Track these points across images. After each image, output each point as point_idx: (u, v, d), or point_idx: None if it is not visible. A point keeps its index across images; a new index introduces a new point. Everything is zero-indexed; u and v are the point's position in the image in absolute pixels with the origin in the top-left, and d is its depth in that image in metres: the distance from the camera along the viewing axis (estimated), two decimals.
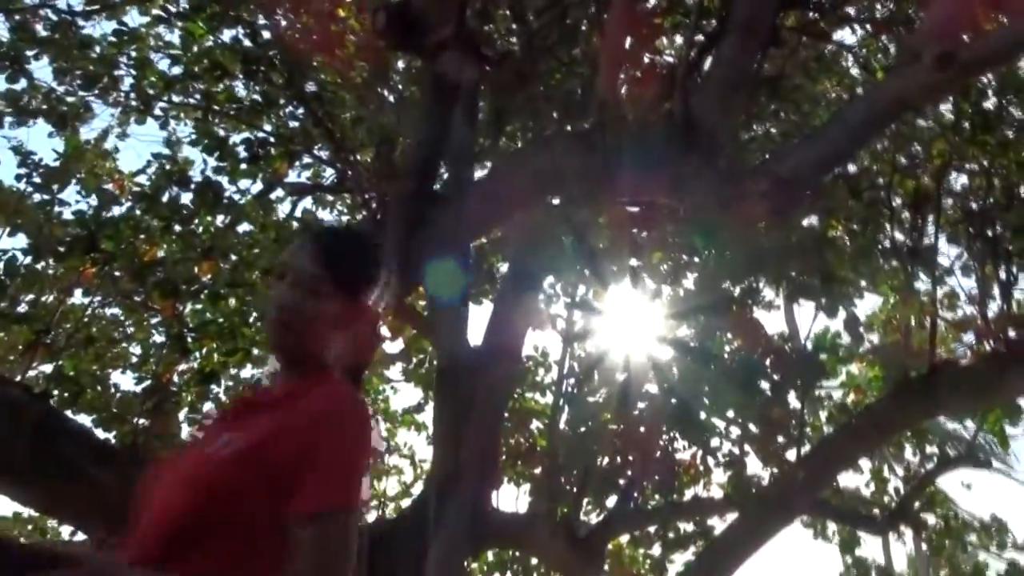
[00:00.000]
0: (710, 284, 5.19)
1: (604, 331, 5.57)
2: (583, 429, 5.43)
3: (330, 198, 6.34)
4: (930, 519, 5.44)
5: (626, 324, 5.56)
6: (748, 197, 2.89)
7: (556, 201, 4.52)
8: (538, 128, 5.08)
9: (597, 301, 5.38)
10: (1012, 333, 4.47)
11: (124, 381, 11.49)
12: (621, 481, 5.38)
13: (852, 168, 5.04)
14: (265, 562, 1.20)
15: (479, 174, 4.83)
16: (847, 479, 5.51)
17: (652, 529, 5.79)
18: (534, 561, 6.23)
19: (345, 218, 6.44)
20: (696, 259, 5.37)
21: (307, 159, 5.81)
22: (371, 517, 6.88)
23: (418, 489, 6.88)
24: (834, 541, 6.05)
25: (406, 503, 6.83)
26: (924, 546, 6.08)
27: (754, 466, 5.46)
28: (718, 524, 5.83)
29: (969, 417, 4.96)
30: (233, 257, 5.80)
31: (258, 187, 5.57)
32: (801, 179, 3.05)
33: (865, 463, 5.45)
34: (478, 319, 5.65)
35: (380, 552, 4.58)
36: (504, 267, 5.74)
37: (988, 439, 4.90)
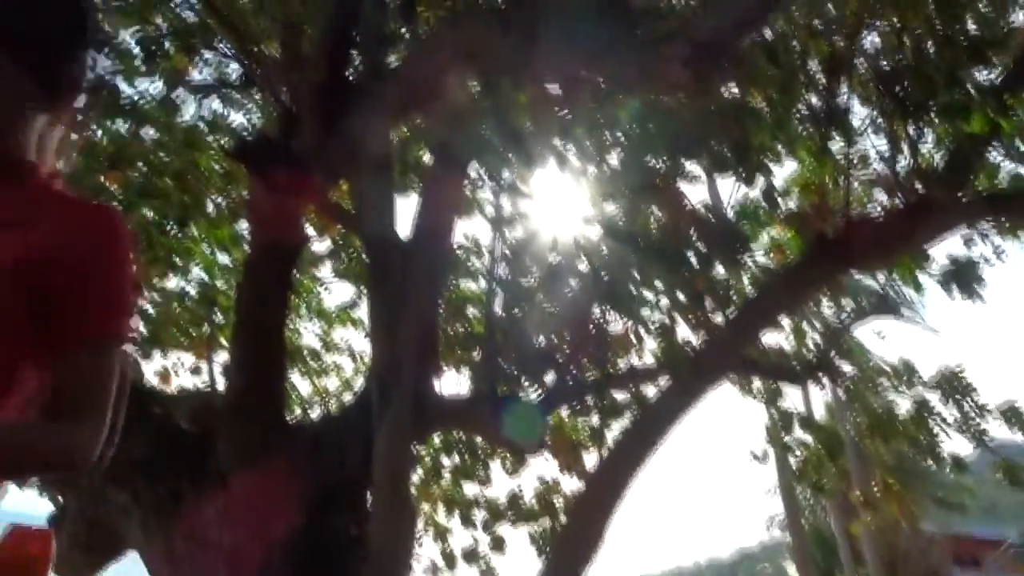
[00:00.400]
0: (634, 161, 5.22)
1: (532, 214, 5.60)
2: (517, 312, 5.53)
3: (238, 96, 6.04)
4: (846, 368, 5.81)
5: (553, 205, 5.59)
6: (668, 65, 2.88)
7: (475, 83, 4.42)
8: (452, 6, 4.89)
9: (523, 184, 5.38)
10: (919, 187, 4.68)
11: None
12: (558, 358, 5.54)
13: (769, 34, 5.04)
14: (14, 398, 1.08)
15: (393, 60, 4.65)
16: (770, 337, 5.80)
17: (589, 399, 6.02)
18: (479, 440, 6.45)
19: (256, 117, 6.17)
20: (620, 136, 5.37)
21: (209, 55, 5.48)
22: (315, 413, 6.95)
23: (360, 383, 6.96)
24: (759, 396, 6.44)
25: (349, 398, 6.92)
26: (841, 393, 6.51)
27: (684, 333, 5.70)
28: (652, 391, 6.12)
29: (881, 270, 5.23)
30: (141, 165, 5.53)
31: (159, 89, 5.27)
32: (720, 43, 3.04)
33: (786, 320, 5.74)
34: (405, 211, 5.58)
35: (327, 445, 4.66)
36: (427, 156, 5.63)
37: (899, 289, 5.20)
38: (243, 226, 5.98)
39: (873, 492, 7.61)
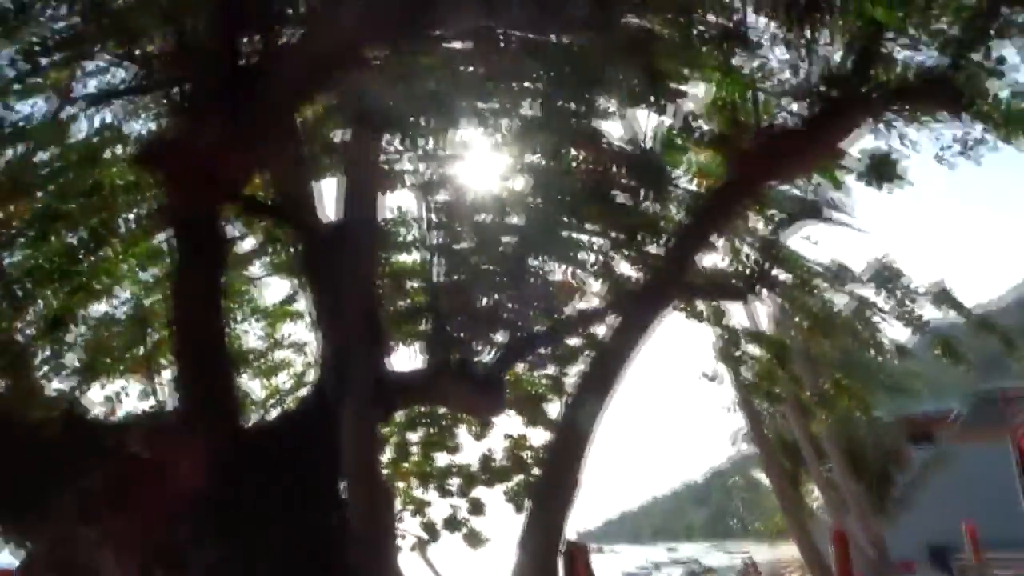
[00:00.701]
0: (548, 106, 5.18)
1: (457, 175, 5.53)
2: (457, 276, 5.50)
3: (131, 102, 5.75)
4: (783, 276, 5.96)
5: (476, 163, 5.54)
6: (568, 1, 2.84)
7: (379, 51, 4.30)
8: None
9: (443, 147, 5.29)
10: (826, 89, 4.77)
11: None
12: (505, 315, 5.55)
13: None
14: None
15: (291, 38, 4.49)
16: (707, 259, 5.91)
17: (543, 351, 6.06)
18: (442, 410, 6.45)
19: (154, 120, 5.91)
20: (531, 84, 5.33)
21: (92, 64, 5.19)
22: (272, 415, 6.84)
23: (312, 376, 6.86)
24: (705, 318, 6.58)
25: (304, 392, 6.82)
26: (782, 301, 6.68)
27: (624, 269, 5.75)
28: (602, 331, 6.19)
29: (803, 177, 5.35)
30: (40, 193, 5.26)
31: (44, 108, 4.99)
32: None
33: (720, 240, 5.84)
34: (328, 193, 5.44)
35: (290, 443, 4.60)
36: (339, 135, 5.49)
37: (823, 192, 5.34)
38: (161, 237, 5.77)
39: (825, 391, 7.89)
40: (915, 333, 6.39)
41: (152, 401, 5.91)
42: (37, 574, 4.38)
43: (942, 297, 6.07)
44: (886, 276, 6.15)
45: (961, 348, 6.11)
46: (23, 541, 4.67)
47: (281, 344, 7.08)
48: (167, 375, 5.81)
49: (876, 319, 6.48)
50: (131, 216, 5.81)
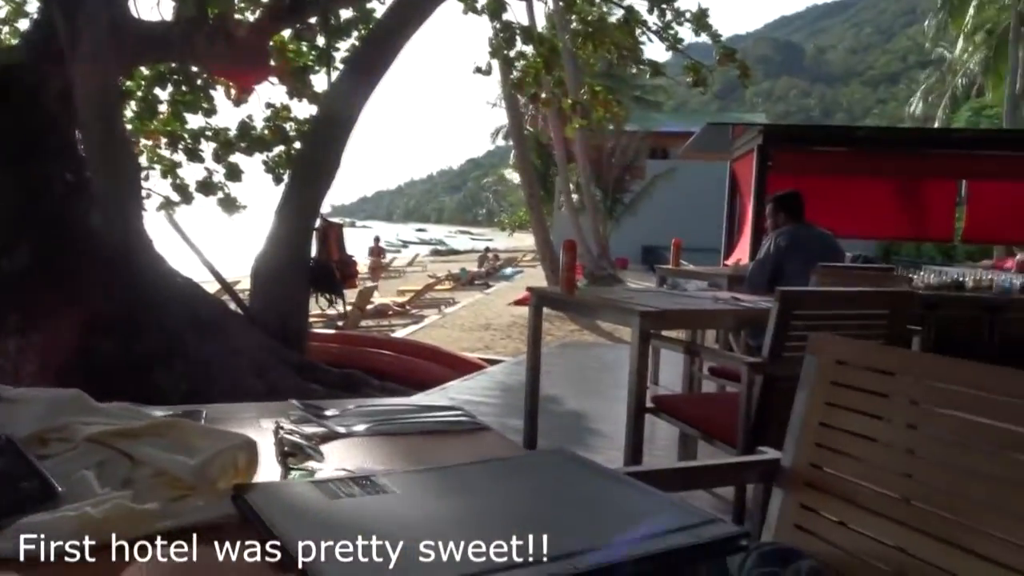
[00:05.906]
0: None
1: None
2: None
3: None
4: None
5: None
6: None
7: None
8: None
9: None
10: None
11: None
12: None
13: None
14: None
15: None
16: None
17: (313, 20, 5.66)
18: (196, 69, 5.93)
19: None
20: None
21: None
22: None
23: (34, 6, 5.89)
24: (483, 11, 6.43)
25: (25, 24, 5.89)
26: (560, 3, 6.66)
27: None
28: (379, 8, 5.87)
29: None
30: None
31: None
32: None
33: None
34: None
35: (13, 85, 4.08)
36: None
37: None
38: None
39: (584, 98, 8.30)
40: (669, 50, 6.81)
41: None
42: None
43: (702, 22, 6.44)
44: None
45: (707, 75, 6.63)
46: None
47: None
48: None
49: (642, 35, 6.79)
50: None
